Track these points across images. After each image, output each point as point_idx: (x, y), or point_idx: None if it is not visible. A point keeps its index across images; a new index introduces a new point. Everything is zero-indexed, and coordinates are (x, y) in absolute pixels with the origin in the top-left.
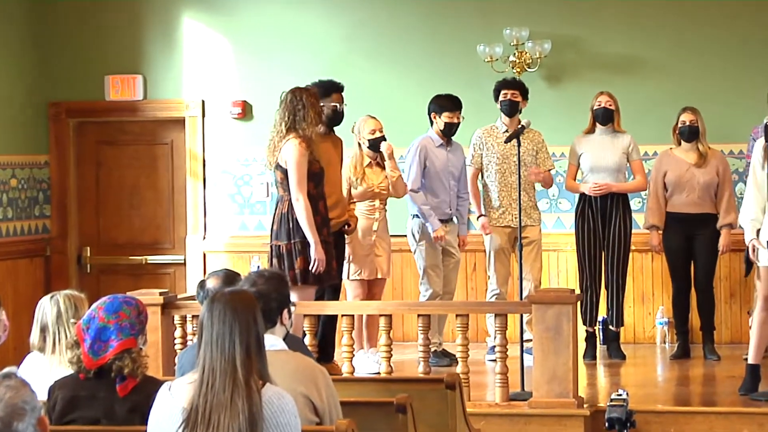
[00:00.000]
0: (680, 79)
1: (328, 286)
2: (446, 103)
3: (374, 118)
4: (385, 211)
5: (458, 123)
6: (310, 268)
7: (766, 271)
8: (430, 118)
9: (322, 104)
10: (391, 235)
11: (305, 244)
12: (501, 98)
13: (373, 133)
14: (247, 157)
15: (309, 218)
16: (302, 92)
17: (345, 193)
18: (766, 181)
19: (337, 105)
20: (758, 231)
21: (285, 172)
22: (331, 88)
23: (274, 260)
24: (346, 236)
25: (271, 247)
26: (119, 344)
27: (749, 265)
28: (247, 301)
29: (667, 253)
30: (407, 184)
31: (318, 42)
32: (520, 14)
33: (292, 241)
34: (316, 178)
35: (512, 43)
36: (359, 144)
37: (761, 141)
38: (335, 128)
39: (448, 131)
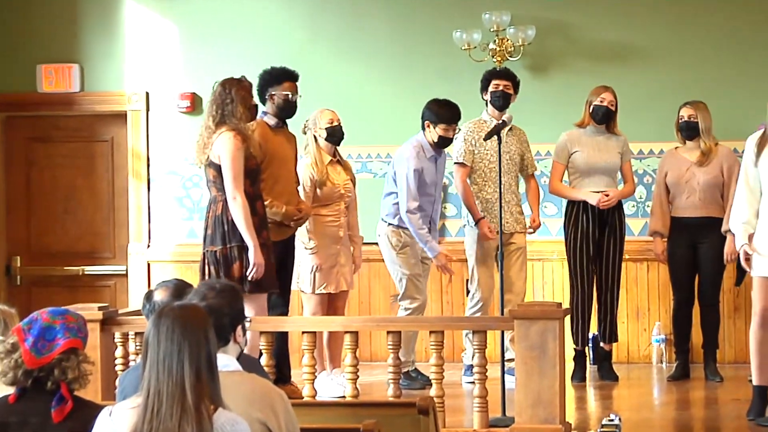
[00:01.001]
0: (680, 70)
1: (276, 297)
2: (444, 114)
3: (329, 109)
4: (346, 216)
5: (453, 137)
6: (246, 274)
7: (760, 282)
8: (422, 124)
9: (273, 93)
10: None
11: (243, 249)
12: (492, 89)
13: (331, 123)
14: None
15: (247, 218)
16: (232, 85)
17: (311, 195)
18: (759, 180)
19: (289, 94)
20: (750, 236)
21: (218, 169)
22: (283, 76)
23: (211, 268)
24: (310, 249)
25: (204, 253)
26: (66, 342)
27: (741, 273)
28: (198, 317)
29: (670, 262)
30: (402, 202)
31: (275, 28)
32: None
33: (228, 246)
34: (253, 175)
35: (492, 29)
36: (315, 138)
37: (754, 135)
38: (288, 121)
39: (442, 144)
